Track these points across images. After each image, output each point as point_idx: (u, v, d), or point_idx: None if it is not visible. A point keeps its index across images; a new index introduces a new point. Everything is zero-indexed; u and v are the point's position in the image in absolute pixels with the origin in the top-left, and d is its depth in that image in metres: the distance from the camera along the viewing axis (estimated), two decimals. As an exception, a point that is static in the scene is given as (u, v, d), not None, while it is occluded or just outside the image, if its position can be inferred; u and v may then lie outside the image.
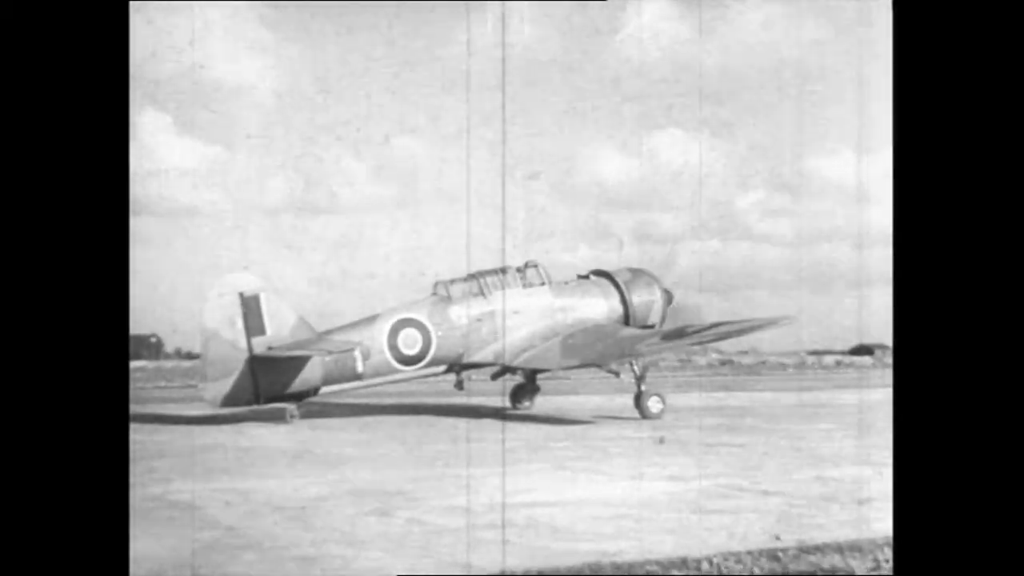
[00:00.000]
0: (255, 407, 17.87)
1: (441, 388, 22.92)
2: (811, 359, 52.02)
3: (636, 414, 17.95)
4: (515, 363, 19.15)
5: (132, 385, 25.47)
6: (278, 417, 17.74)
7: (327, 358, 17.82)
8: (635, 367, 18.33)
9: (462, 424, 17.56)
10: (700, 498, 9.42)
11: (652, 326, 19.60)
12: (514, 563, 6.91)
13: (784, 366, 47.92)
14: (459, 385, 19.43)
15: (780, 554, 7.11)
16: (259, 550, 7.38)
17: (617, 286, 19.82)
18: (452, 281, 19.06)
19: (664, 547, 7.32)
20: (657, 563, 6.87)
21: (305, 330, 17.92)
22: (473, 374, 20.17)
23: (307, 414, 18.13)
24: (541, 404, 20.42)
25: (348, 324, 18.47)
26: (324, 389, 18.18)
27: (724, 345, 32.58)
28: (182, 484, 10.56)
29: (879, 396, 19.31)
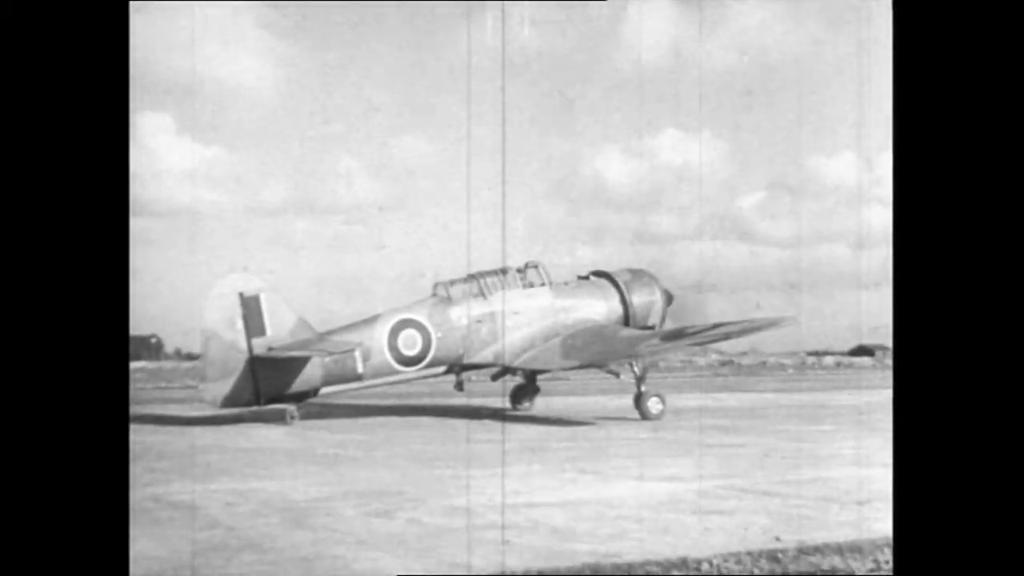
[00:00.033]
0: (255, 408, 17.88)
1: (441, 389, 22.94)
2: (811, 360, 52.11)
3: (636, 415, 17.96)
4: (515, 364, 19.17)
5: (132, 386, 25.49)
6: (278, 418, 17.75)
7: (327, 359, 17.83)
8: (635, 368, 18.34)
9: (462, 425, 17.56)
10: (700, 499, 9.42)
11: (652, 327, 19.62)
12: (514, 563, 6.91)
13: (784, 367, 48.00)
14: (459, 386, 19.44)
15: (780, 555, 7.10)
16: (259, 550, 7.38)
17: (617, 287, 19.83)
18: (452, 282, 19.07)
19: (664, 548, 7.32)
20: (657, 564, 6.87)
21: (305, 331, 17.92)
22: (473, 375, 20.19)
23: (307, 415, 18.14)
24: (541, 405, 20.42)
25: (348, 325, 18.48)
26: (324, 390, 18.19)
27: (724, 346, 32.60)
28: (182, 484, 10.56)
29: (879, 397, 19.32)
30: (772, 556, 7.07)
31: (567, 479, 10.94)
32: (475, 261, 19.08)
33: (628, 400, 18.49)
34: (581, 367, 19.42)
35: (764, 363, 49.04)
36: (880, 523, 7.82)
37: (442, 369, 18.86)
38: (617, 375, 19.19)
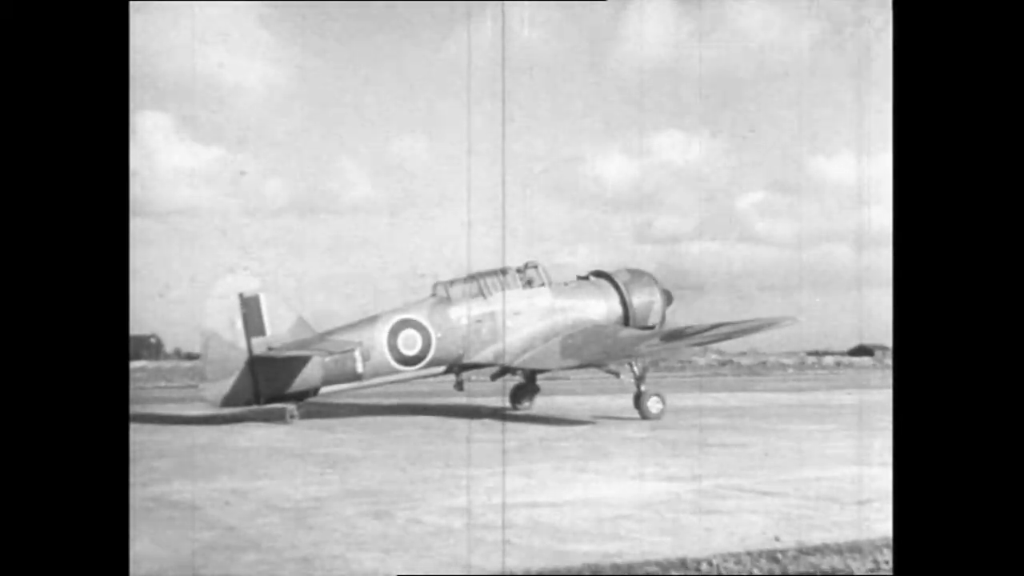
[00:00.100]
0: (255, 407, 17.89)
1: (441, 388, 22.93)
2: (811, 359, 52.13)
3: (636, 414, 17.96)
4: (515, 364, 19.17)
5: (132, 385, 25.48)
6: (278, 417, 17.75)
7: (327, 358, 17.84)
8: (635, 367, 18.34)
9: (462, 424, 17.56)
10: (700, 498, 9.42)
11: (652, 327, 19.62)
12: (514, 563, 6.91)
13: (784, 366, 48.00)
14: (459, 385, 19.44)
15: (780, 555, 7.10)
16: (259, 550, 7.38)
17: (617, 287, 19.83)
18: (452, 282, 19.07)
19: (664, 548, 7.32)
20: (657, 564, 6.87)
21: (305, 330, 17.93)
22: (473, 374, 20.19)
23: (307, 414, 18.13)
24: (541, 404, 20.43)
25: (348, 324, 18.48)
26: (324, 389, 18.20)
27: (724, 345, 32.59)
28: (182, 484, 10.56)
29: (879, 397, 19.33)
30: (772, 556, 7.07)
31: (567, 479, 10.95)
32: (475, 261, 19.10)
33: (628, 400, 18.50)
34: (581, 367, 19.42)
35: (764, 363, 49.04)
36: (880, 523, 7.83)
37: (442, 369, 18.86)
38: (617, 375, 19.19)
